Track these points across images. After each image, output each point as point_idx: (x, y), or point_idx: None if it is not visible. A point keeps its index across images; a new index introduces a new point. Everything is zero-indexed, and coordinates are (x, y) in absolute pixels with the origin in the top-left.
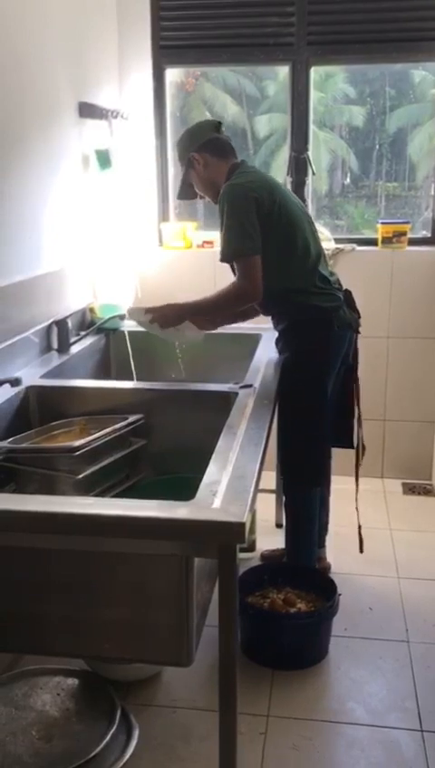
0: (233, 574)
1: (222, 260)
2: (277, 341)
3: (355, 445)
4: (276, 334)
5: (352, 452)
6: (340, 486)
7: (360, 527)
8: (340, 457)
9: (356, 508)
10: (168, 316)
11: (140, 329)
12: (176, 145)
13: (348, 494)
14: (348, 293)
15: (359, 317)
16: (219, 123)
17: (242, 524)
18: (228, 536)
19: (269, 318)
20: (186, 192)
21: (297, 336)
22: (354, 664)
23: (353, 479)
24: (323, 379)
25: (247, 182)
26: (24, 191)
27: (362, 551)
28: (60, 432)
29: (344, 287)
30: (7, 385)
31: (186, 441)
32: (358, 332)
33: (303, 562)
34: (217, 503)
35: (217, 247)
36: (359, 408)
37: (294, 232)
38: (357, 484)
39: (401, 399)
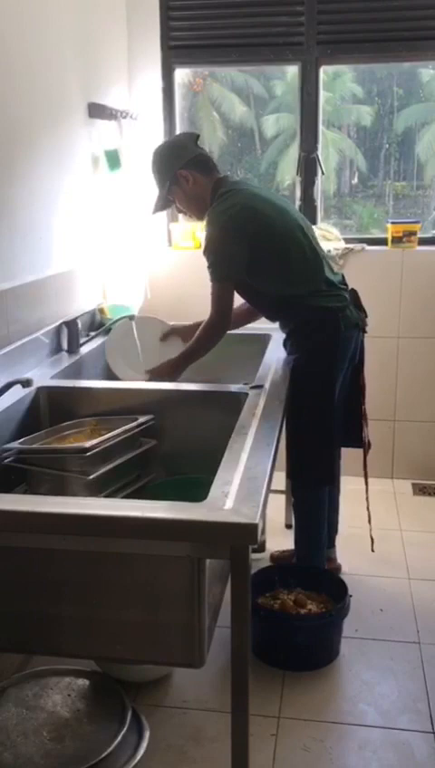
0: (246, 576)
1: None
2: (285, 343)
3: (363, 444)
4: (284, 336)
5: (359, 452)
6: (349, 487)
7: (370, 526)
8: (348, 457)
9: (367, 507)
10: (165, 377)
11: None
12: (155, 160)
13: (357, 495)
14: (354, 293)
15: (366, 316)
16: (198, 136)
17: (255, 526)
18: (241, 537)
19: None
20: (162, 205)
21: (305, 337)
22: (366, 665)
23: (363, 479)
24: (332, 380)
25: (229, 207)
26: (34, 192)
27: (373, 549)
28: (70, 433)
29: (351, 286)
30: (18, 386)
31: (196, 442)
32: (365, 331)
33: (312, 563)
34: (229, 504)
35: None
36: (364, 407)
37: (287, 241)
38: (366, 483)
39: (412, 400)
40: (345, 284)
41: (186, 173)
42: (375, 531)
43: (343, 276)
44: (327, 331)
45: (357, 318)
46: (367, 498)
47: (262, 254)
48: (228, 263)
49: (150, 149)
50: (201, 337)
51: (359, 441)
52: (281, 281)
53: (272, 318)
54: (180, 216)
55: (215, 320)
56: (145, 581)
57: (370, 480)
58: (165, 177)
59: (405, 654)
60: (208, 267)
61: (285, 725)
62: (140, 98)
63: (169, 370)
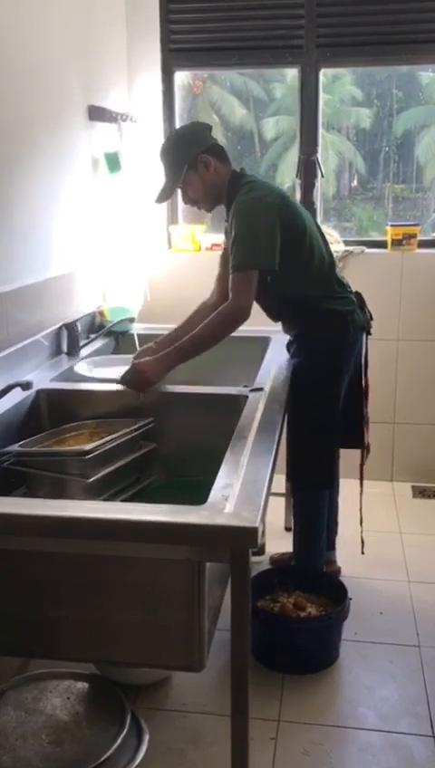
0: (246, 579)
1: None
2: (289, 345)
3: (363, 445)
4: (288, 338)
5: (359, 454)
6: (349, 489)
7: (362, 528)
8: (348, 460)
9: (360, 510)
10: (141, 383)
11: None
12: (170, 144)
13: (357, 497)
14: (359, 295)
15: (371, 319)
16: (211, 127)
17: (255, 529)
18: (241, 541)
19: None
20: (169, 194)
21: (313, 340)
22: (365, 668)
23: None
24: (337, 382)
25: (265, 195)
26: (34, 195)
27: (363, 552)
28: (70, 435)
29: (354, 289)
30: (18, 388)
31: (196, 444)
32: (370, 334)
33: (312, 566)
34: (229, 507)
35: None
36: (367, 409)
37: (310, 240)
38: (362, 485)
39: (411, 402)
40: (351, 288)
41: (207, 158)
42: (375, 533)
43: (347, 281)
44: (335, 334)
45: (363, 321)
46: (361, 500)
47: (288, 250)
48: (263, 249)
49: (151, 152)
50: (213, 324)
51: (358, 443)
52: (300, 280)
53: (277, 317)
54: (181, 213)
55: (232, 308)
56: (145, 585)
57: (369, 483)
58: (183, 161)
59: (405, 657)
60: (236, 255)
61: (285, 729)
62: (140, 100)
63: (157, 368)
